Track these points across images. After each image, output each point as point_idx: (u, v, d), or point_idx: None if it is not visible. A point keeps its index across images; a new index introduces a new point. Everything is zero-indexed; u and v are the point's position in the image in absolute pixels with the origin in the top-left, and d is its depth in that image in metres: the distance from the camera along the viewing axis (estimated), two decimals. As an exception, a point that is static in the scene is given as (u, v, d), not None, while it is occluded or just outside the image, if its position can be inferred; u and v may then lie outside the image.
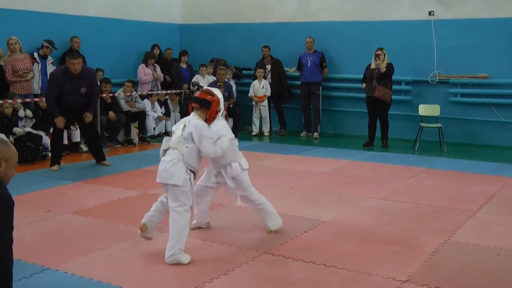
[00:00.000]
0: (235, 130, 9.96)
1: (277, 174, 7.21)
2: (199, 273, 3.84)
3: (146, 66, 10.63)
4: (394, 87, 9.72)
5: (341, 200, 5.88)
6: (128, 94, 9.75)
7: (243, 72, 11.92)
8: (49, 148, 7.88)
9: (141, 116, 9.93)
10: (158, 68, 10.85)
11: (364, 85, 9.68)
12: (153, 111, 10.22)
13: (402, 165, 7.83)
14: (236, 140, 4.68)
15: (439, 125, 9.37)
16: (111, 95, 9.38)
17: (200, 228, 4.81)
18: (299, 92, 10.96)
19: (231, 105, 10.47)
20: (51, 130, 7.75)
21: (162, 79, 10.92)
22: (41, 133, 8.22)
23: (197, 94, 4.31)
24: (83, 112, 7.46)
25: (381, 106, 9.48)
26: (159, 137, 10.04)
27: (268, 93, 10.97)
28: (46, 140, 8.14)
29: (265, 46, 11.13)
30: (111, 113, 9.20)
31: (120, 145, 9.50)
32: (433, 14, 10.02)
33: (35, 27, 9.39)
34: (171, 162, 4.03)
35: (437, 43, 9.93)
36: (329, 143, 9.97)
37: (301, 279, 3.79)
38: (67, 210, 5.40)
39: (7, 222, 2.92)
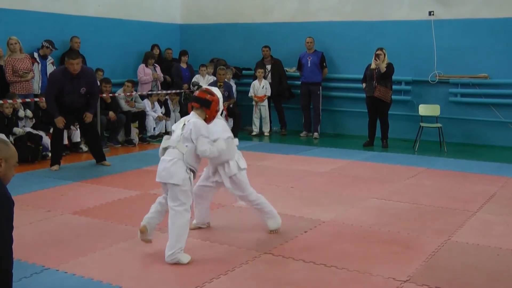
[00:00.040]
0: (235, 130, 9.98)
1: (277, 174, 7.21)
2: (199, 273, 3.84)
3: (146, 66, 10.63)
4: (394, 87, 9.72)
5: (341, 200, 5.88)
6: (128, 94, 9.75)
7: (243, 72, 11.92)
8: (49, 148, 7.88)
9: (141, 116, 9.93)
10: (158, 68, 10.85)
11: (364, 85, 9.68)
12: (153, 111, 10.22)
13: (402, 165, 7.83)
14: (236, 140, 4.68)
15: (439, 125, 9.37)
16: (111, 95, 9.38)
17: (200, 228, 4.81)
18: (299, 92, 10.96)
19: (231, 105, 10.47)
20: (51, 130, 7.75)
21: (162, 79, 10.92)
22: (41, 133, 8.22)
23: (196, 93, 4.31)
24: (83, 112, 7.46)
25: (381, 106, 9.48)
26: (159, 137, 10.04)
27: (268, 93, 10.97)
28: (46, 140, 8.14)
29: (265, 46, 11.13)
30: (111, 113, 9.20)
31: (120, 145, 9.50)
32: (433, 14, 10.02)
33: (35, 27, 9.39)
34: (171, 161, 4.03)
35: (437, 43, 9.94)
36: (329, 143, 9.97)
37: (301, 279, 3.79)
38: (67, 210, 5.40)
39: (7, 222, 2.92)
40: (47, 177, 6.94)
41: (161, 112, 10.43)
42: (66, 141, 8.41)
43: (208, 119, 4.20)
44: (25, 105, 8.32)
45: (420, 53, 10.11)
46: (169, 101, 10.77)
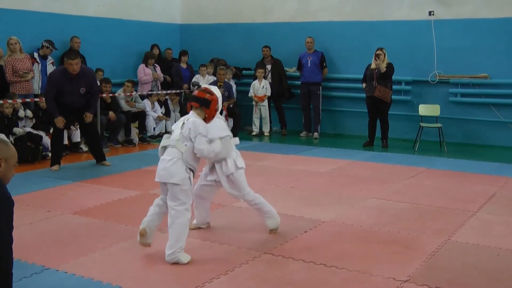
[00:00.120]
0: (235, 130, 9.99)
1: (277, 174, 7.21)
2: (199, 273, 3.84)
3: (146, 66, 10.63)
4: (394, 87, 9.72)
5: (341, 200, 5.88)
6: (128, 94, 9.75)
7: (243, 72, 11.92)
8: (49, 148, 7.88)
9: (141, 116, 9.93)
10: (158, 68, 10.85)
11: (364, 85, 9.68)
12: (153, 111, 10.22)
13: (402, 165, 7.83)
14: (237, 139, 4.68)
15: (439, 125, 9.37)
16: (111, 95, 9.38)
17: (200, 228, 4.81)
18: (299, 92, 10.96)
19: (231, 105, 10.47)
20: (51, 130, 7.75)
21: (162, 79, 10.92)
22: (41, 133, 8.22)
23: (196, 93, 4.30)
24: (83, 112, 7.45)
25: (381, 106, 9.48)
26: (159, 137, 10.04)
27: (268, 93, 10.97)
28: (46, 140, 8.14)
29: (266, 46, 11.13)
30: (111, 113, 9.20)
31: (120, 145, 9.50)
32: (433, 14, 10.02)
33: (35, 27, 9.39)
34: (170, 161, 4.03)
35: (437, 43, 9.94)
36: (329, 143, 9.97)
37: (301, 279, 3.79)
38: (67, 210, 5.40)
39: (7, 222, 2.92)
40: (47, 177, 6.94)
41: (161, 112, 10.43)
42: (66, 141, 8.41)
43: (207, 119, 4.20)
44: (25, 105, 8.32)
45: (420, 53, 10.12)
46: (169, 101, 10.77)
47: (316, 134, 10.74)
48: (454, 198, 5.97)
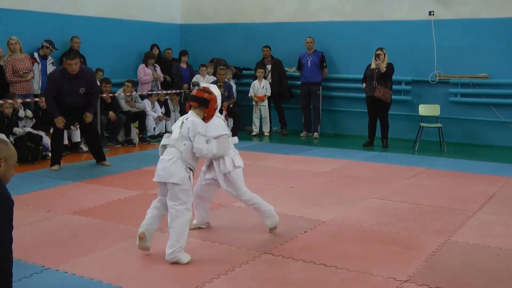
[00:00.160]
0: (235, 130, 9.99)
1: (277, 174, 7.21)
2: (199, 273, 3.84)
3: (146, 66, 10.63)
4: (394, 87, 9.72)
5: (341, 200, 5.88)
6: (128, 94, 9.75)
7: (243, 72, 11.92)
8: (49, 148, 7.88)
9: (141, 116, 9.93)
10: (158, 68, 10.85)
11: (364, 85, 9.68)
12: (153, 111, 10.22)
13: (402, 165, 7.83)
14: (235, 138, 4.68)
15: (439, 125, 9.37)
16: (111, 95, 9.38)
17: (200, 228, 4.81)
18: (299, 92, 10.96)
19: (231, 105, 10.47)
20: (51, 130, 7.75)
21: (162, 79, 10.92)
22: (41, 133, 8.22)
23: (194, 92, 4.29)
24: (83, 112, 7.45)
25: (381, 106, 9.48)
26: (159, 137, 10.03)
27: (268, 93, 10.97)
28: (46, 140, 8.14)
29: (266, 46, 11.13)
30: (111, 113, 9.20)
31: (120, 145, 9.50)
32: (433, 14, 10.02)
33: (35, 27, 9.39)
34: (170, 160, 4.02)
35: (437, 43, 9.94)
36: (329, 143, 9.97)
37: (301, 279, 3.79)
38: (67, 210, 5.40)
39: (7, 222, 2.92)
40: (47, 177, 6.94)
41: (161, 112, 10.43)
42: (66, 141, 8.41)
43: (206, 118, 4.20)
44: (25, 105, 8.32)
45: (420, 53, 10.12)
46: (169, 101, 10.78)
47: (316, 134, 10.74)
48: (454, 198, 5.97)
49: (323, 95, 10.79)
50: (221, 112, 4.55)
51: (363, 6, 10.71)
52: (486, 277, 3.85)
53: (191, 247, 4.17)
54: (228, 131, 4.55)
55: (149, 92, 10.31)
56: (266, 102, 11.02)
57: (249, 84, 11.20)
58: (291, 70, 11.35)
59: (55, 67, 9.03)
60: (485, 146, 9.70)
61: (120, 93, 9.69)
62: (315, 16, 11.17)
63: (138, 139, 9.76)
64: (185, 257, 4.01)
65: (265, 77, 11.05)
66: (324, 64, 10.73)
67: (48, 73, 8.82)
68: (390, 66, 9.38)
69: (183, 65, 11.22)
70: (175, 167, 4.01)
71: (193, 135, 4.05)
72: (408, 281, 3.74)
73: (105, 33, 10.74)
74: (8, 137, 7.50)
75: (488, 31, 9.59)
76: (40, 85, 8.87)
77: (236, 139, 4.70)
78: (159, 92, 10.50)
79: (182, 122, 4.14)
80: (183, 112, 10.50)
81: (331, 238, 4.64)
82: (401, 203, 5.76)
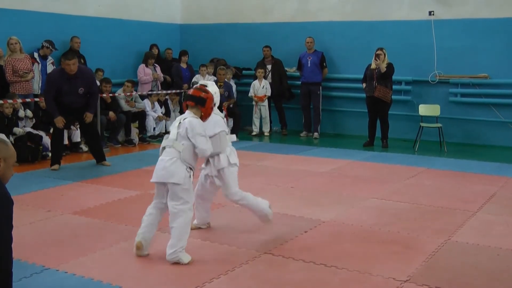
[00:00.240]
0: (235, 130, 9.99)
1: (277, 174, 7.21)
2: (199, 273, 3.84)
3: (146, 66, 10.63)
4: (394, 87, 9.72)
5: (341, 200, 5.88)
6: (128, 94, 9.75)
7: (243, 72, 11.92)
8: (49, 148, 7.87)
9: (141, 116, 9.93)
10: (158, 68, 10.85)
11: (364, 85, 9.68)
12: (153, 111, 10.22)
13: (402, 165, 7.83)
14: (234, 136, 4.68)
15: (439, 125, 9.37)
16: (111, 95, 9.38)
17: (200, 228, 4.81)
18: (299, 92, 10.96)
19: (231, 105, 10.47)
20: (51, 130, 7.75)
21: (162, 79, 10.92)
22: (41, 133, 8.22)
23: (190, 91, 4.28)
24: (83, 112, 7.45)
25: (381, 106, 9.48)
26: (159, 137, 10.04)
27: (269, 93, 10.97)
28: (46, 140, 8.14)
29: (266, 46, 11.13)
30: (111, 113, 9.20)
31: (120, 145, 9.50)
32: (433, 14, 10.02)
33: (35, 27, 9.39)
34: (169, 160, 4.01)
35: (437, 43, 9.93)
36: (329, 143, 9.97)
37: (301, 279, 3.79)
38: (67, 210, 5.40)
39: (7, 222, 2.92)
40: (47, 177, 6.94)
41: (161, 112, 10.43)
42: (66, 141, 8.41)
43: (203, 117, 4.18)
44: (25, 105, 8.32)
45: (420, 53, 10.11)
46: (169, 101, 10.78)
47: (316, 134, 10.73)
48: (454, 198, 5.97)
49: (323, 95, 10.79)
50: (221, 110, 4.54)
51: (363, 6, 10.71)
52: (486, 277, 3.85)
53: (191, 247, 4.16)
54: (225, 128, 4.54)
55: (149, 92, 10.31)
56: (266, 102, 11.02)
57: (249, 84, 11.20)
58: (291, 70, 11.35)
59: (55, 67, 9.03)
60: (485, 146, 9.70)
61: (120, 93, 9.69)
62: (315, 16, 11.17)
63: (138, 139, 9.76)
64: (186, 257, 4.00)
65: (265, 77, 11.05)
66: (324, 64, 10.73)
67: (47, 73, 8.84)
68: (390, 66, 9.38)
69: (183, 65, 11.22)
70: (175, 167, 4.00)
71: (192, 136, 4.04)
72: (408, 281, 3.74)
73: (105, 33, 10.74)
74: (8, 137, 7.50)
75: (488, 31, 9.59)
76: (40, 85, 8.87)
77: (234, 136, 4.69)
78: (159, 92, 10.50)
79: (180, 122, 4.12)
80: (183, 112, 10.49)
81: (331, 238, 4.64)
82: (401, 203, 5.76)
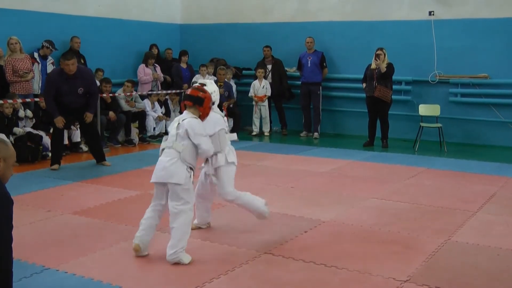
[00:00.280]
0: (235, 130, 9.98)
1: (277, 174, 7.21)
2: (199, 273, 3.84)
3: (146, 66, 10.63)
4: (394, 87, 9.72)
5: (341, 200, 5.88)
6: (128, 94, 9.75)
7: (243, 72, 11.92)
8: (49, 148, 7.87)
9: (141, 116, 9.93)
10: (158, 68, 10.85)
11: (364, 85, 9.68)
12: (153, 111, 10.22)
13: (402, 165, 7.83)
14: (234, 135, 4.67)
15: (439, 125, 9.37)
16: (111, 95, 9.38)
17: (200, 228, 4.81)
18: (299, 92, 10.96)
19: (231, 105, 10.47)
20: (51, 130, 7.75)
21: (162, 79, 10.92)
22: (41, 133, 8.22)
23: (188, 91, 4.27)
24: (83, 112, 7.46)
25: (381, 106, 9.48)
26: (159, 137, 10.04)
27: (269, 93, 10.97)
28: (46, 140, 8.14)
29: (266, 46, 11.13)
30: (111, 113, 9.20)
31: (120, 145, 9.50)
32: (433, 14, 10.02)
33: (35, 27, 9.39)
34: (170, 161, 4.00)
35: (437, 43, 9.94)
36: (329, 143, 9.97)
37: (301, 279, 3.79)
38: (67, 210, 5.40)
39: (7, 222, 2.92)
40: (47, 177, 6.94)
41: (161, 112, 10.43)
42: (66, 141, 8.41)
43: (202, 116, 4.18)
44: (25, 105, 8.32)
45: (420, 53, 10.11)
46: (169, 101, 10.78)
47: (316, 134, 10.73)
48: (454, 198, 5.96)
49: (323, 95, 10.79)
50: (221, 111, 4.54)
51: (363, 6, 10.71)
52: (486, 277, 3.85)
53: (191, 247, 4.16)
54: (225, 126, 4.53)
55: (149, 92, 10.31)
56: (266, 102, 11.01)
57: (249, 84, 11.20)
58: (291, 70, 11.35)
59: (55, 67, 9.03)
60: (485, 146, 9.70)
61: (120, 93, 9.69)
62: (315, 16, 11.17)
63: (138, 139, 9.76)
64: (186, 258, 4.00)
65: (265, 77, 11.05)
66: (324, 64, 10.73)
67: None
68: (390, 66, 9.38)
69: (183, 65, 11.22)
70: (176, 167, 3.99)
71: (193, 136, 4.03)
72: (408, 281, 3.74)
73: (105, 33, 10.74)
74: (8, 137, 7.49)
75: (488, 31, 9.59)
76: (40, 85, 8.87)
77: (235, 135, 4.68)
78: (159, 92, 10.50)
79: (179, 123, 4.11)
80: (182, 112, 10.50)
81: (331, 238, 4.64)
82: (401, 203, 5.76)
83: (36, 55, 9.00)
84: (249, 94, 11.07)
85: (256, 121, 11.08)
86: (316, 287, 3.67)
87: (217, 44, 12.18)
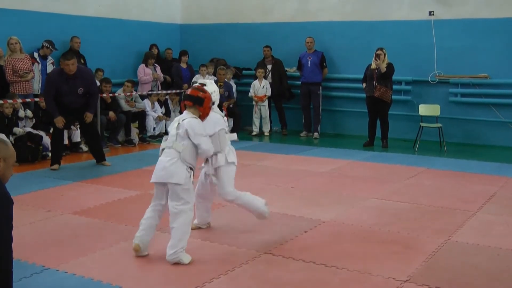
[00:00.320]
0: (235, 130, 9.98)
1: (277, 174, 7.21)
2: (199, 273, 3.84)
3: (146, 66, 10.63)
4: (394, 87, 9.72)
5: (341, 200, 5.88)
6: (128, 94, 9.75)
7: (243, 72, 11.92)
8: (49, 148, 7.88)
9: (141, 116, 9.93)
10: (158, 68, 10.85)
11: (364, 85, 9.68)
12: (153, 111, 10.22)
13: (402, 165, 7.83)
14: (234, 135, 4.68)
15: (439, 125, 9.37)
16: (111, 95, 9.38)
17: (200, 228, 4.81)
18: (299, 92, 10.96)
19: (231, 105, 10.47)
20: (51, 130, 7.75)
21: (162, 79, 10.92)
22: (41, 133, 8.22)
23: (188, 91, 4.27)
24: (83, 112, 7.46)
25: (381, 106, 9.48)
26: (159, 137, 10.04)
27: (269, 93, 10.96)
28: (46, 140, 8.14)
29: (267, 46, 11.13)
30: (111, 113, 9.20)
31: (120, 145, 9.50)
32: (433, 14, 10.02)
33: (35, 27, 9.39)
34: (170, 161, 4.00)
35: (437, 43, 9.94)
36: (329, 143, 9.97)
37: (301, 279, 3.79)
38: (67, 210, 5.40)
39: (7, 222, 2.92)
40: (47, 177, 6.94)
41: (161, 112, 10.43)
42: (66, 141, 8.41)
43: (202, 116, 4.18)
44: (25, 105, 8.32)
45: (420, 53, 10.11)
46: (169, 101, 10.78)
47: (316, 134, 10.73)
48: (454, 198, 5.97)
49: (323, 95, 10.79)
50: (221, 111, 4.54)
51: (363, 6, 10.71)
52: (486, 277, 3.85)
53: (191, 247, 4.16)
54: (225, 126, 4.52)
55: (149, 92, 10.31)
56: (266, 102, 11.01)
57: (249, 84, 11.20)
58: (291, 70, 11.34)
59: (55, 67, 9.03)
60: (485, 146, 9.70)
61: (120, 93, 9.69)
62: (315, 16, 11.17)
63: (138, 139, 9.76)
64: (186, 258, 4.00)
65: (265, 77, 11.05)
66: (324, 64, 10.73)
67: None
68: (390, 66, 9.38)
69: (183, 65, 11.22)
70: (176, 167, 3.99)
71: (194, 137, 4.03)
72: (408, 281, 3.74)
73: (105, 33, 10.74)
74: (8, 137, 7.49)
75: (488, 31, 9.59)
76: (40, 85, 8.87)
77: (235, 135, 4.68)
78: (159, 92, 10.50)
79: (178, 123, 4.10)
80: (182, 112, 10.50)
81: (331, 238, 4.64)
82: (401, 203, 5.76)
83: (36, 55, 9.00)
84: (249, 94, 11.07)
85: (256, 121, 11.08)
86: (316, 287, 3.67)
87: (217, 44, 12.18)
